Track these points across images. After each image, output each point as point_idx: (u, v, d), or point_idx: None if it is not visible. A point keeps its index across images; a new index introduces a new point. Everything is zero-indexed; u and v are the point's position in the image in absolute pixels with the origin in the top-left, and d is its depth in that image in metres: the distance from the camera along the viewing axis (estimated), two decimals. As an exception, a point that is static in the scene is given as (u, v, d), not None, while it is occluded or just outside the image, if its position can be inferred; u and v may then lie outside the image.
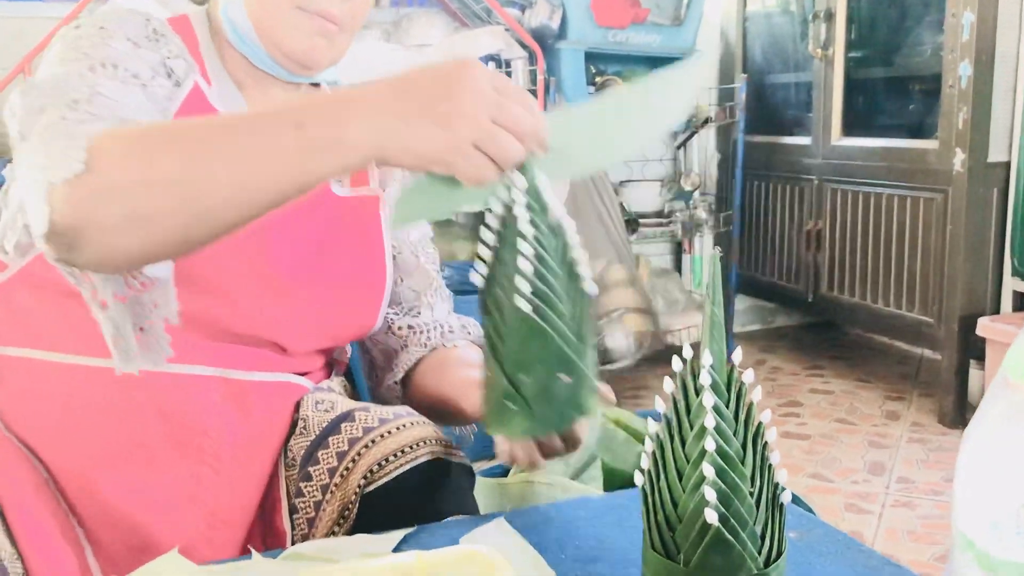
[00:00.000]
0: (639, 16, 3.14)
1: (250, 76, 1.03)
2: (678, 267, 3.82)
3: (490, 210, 0.76)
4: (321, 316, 1.04)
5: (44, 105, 0.82)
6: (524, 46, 3.01)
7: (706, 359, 0.60)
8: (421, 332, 1.14)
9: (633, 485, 0.63)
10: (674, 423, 0.62)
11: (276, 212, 0.94)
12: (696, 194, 3.50)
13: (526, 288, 0.73)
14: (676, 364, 0.62)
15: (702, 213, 3.44)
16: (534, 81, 3.00)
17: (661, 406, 0.63)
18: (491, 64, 3.00)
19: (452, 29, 3.05)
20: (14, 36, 2.75)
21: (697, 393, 0.61)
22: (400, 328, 1.14)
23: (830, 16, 3.22)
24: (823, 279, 3.34)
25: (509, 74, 3.02)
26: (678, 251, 3.83)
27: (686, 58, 3.24)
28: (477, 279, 0.78)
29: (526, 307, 0.73)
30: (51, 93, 0.83)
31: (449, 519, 0.87)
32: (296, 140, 0.72)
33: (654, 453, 0.63)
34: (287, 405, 1.01)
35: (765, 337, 3.91)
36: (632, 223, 3.26)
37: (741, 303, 3.74)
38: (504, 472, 1.56)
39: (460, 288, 2.80)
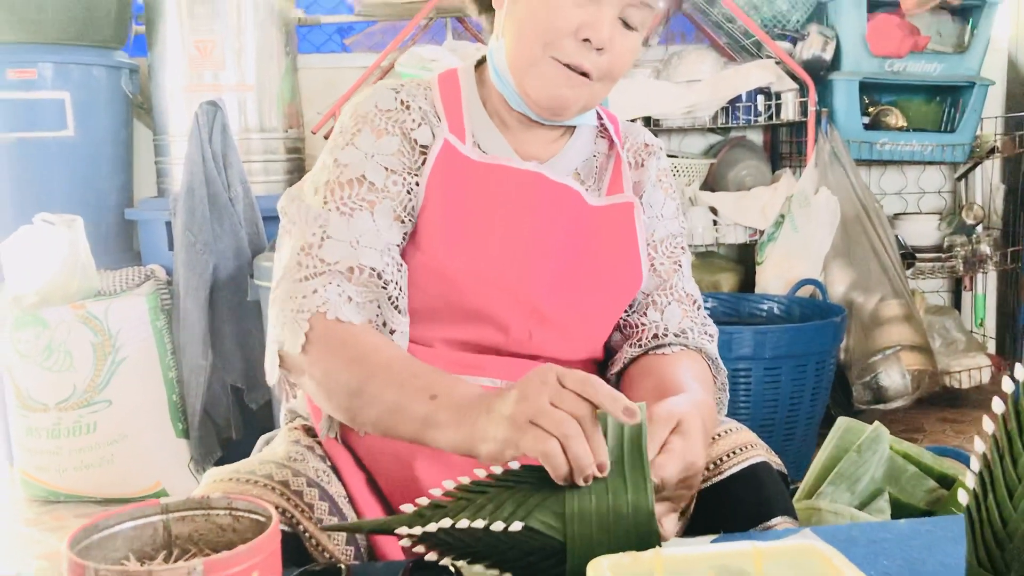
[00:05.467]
0: (918, 45, 3.03)
1: (512, 117, 1.10)
2: (956, 305, 3.61)
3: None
4: (584, 329, 1.10)
5: (291, 231, 1.04)
6: (795, 78, 2.99)
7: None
8: (636, 330, 1.14)
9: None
10: (1004, 441, 0.64)
11: (534, 229, 1.07)
12: (979, 228, 3.30)
13: None
14: (1007, 384, 0.64)
15: (986, 248, 3.23)
16: (805, 113, 2.98)
17: (989, 425, 0.65)
18: (760, 97, 3.01)
19: (721, 64, 3.09)
20: (328, 84, 3.10)
21: (1031, 413, 0.62)
22: (623, 325, 1.16)
23: None
24: None
25: (779, 106, 3.01)
26: (957, 288, 3.62)
27: (972, 85, 3.08)
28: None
29: None
30: (297, 221, 1.03)
31: (763, 529, 0.92)
32: (425, 408, 0.86)
33: (981, 473, 0.65)
34: None
35: (1057, 383, 3.58)
36: (908, 257, 3.13)
37: (1030, 345, 3.46)
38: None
39: (725, 320, 2.82)
